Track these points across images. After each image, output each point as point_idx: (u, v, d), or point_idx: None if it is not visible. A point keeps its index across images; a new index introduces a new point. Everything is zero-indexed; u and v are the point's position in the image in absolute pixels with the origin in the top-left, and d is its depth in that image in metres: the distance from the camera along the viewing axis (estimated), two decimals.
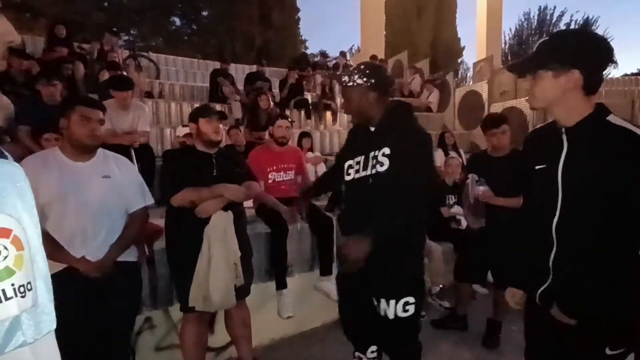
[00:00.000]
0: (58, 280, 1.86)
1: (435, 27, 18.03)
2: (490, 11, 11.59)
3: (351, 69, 1.88)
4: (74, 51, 5.71)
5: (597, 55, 1.19)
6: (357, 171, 1.82)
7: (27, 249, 0.46)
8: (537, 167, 1.33)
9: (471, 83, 10.78)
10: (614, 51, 1.20)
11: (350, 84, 1.77)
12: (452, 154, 5.20)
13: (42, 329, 0.45)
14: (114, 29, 6.39)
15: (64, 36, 5.84)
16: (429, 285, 3.57)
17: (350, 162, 1.87)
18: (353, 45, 17.53)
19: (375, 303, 1.80)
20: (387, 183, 1.69)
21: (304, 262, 3.23)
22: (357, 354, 2.02)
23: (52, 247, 1.80)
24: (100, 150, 2.04)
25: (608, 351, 1.23)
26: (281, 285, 2.91)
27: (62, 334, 1.84)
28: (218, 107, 6.31)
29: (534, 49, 1.28)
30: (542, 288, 1.34)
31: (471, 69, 15.03)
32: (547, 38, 1.28)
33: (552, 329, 1.31)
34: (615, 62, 1.21)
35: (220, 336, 2.69)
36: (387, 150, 1.71)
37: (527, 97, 1.35)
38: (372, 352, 2.00)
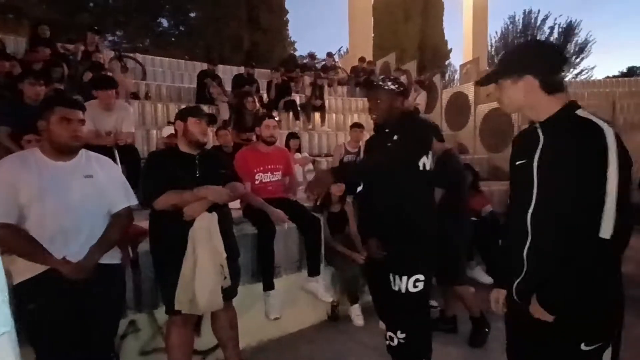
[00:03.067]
0: (39, 283, 1.81)
1: (422, 30, 18.21)
2: (476, 14, 11.76)
3: (382, 77, 2.21)
4: (57, 52, 5.61)
5: (544, 60, 1.35)
6: None
7: None
8: (517, 163, 1.43)
9: (458, 85, 10.90)
10: (563, 53, 1.40)
11: (385, 88, 2.08)
12: None
13: None
14: (96, 28, 6.27)
15: (48, 37, 5.73)
16: None
17: None
18: (342, 47, 17.59)
19: (391, 279, 2.04)
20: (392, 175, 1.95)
21: (291, 263, 3.22)
22: (388, 333, 2.13)
23: (33, 247, 1.76)
24: (82, 151, 2.00)
25: (584, 347, 1.25)
26: (268, 286, 2.90)
27: (44, 338, 1.79)
28: (205, 108, 6.28)
29: (496, 62, 1.47)
30: (517, 281, 1.38)
31: (458, 71, 15.22)
32: (505, 51, 1.52)
33: (530, 325, 1.33)
34: (567, 63, 1.40)
35: (206, 339, 2.66)
36: (395, 137, 1.96)
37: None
38: (402, 332, 2.07)
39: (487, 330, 2.93)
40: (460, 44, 13.33)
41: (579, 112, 1.30)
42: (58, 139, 1.84)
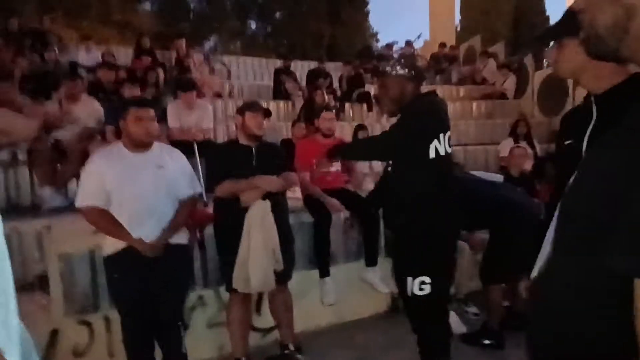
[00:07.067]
0: (122, 256, 2.14)
1: (518, 5, 16.48)
2: None
3: (393, 60, 2.06)
4: (156, 59, 6.42)
5: None
6: None
7: None
8: (565, 143, 1.27)
9: None
10: None
11: (394, 73, 1.91)
12: (522, 143, 4.80)
13: None
14: (184, 38, 7.02)
15: (148, 46, 6.58)
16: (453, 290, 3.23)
17: None
18: (420, 34, 16.73)
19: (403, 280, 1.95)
20: (398, 162, 1.85)
21: (350, 252, 3.27)
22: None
23: (115, 226, 2.10)
24: (156, 144, 2.29)
25: None
26: (324, 273, 2.99)
27: (125, 303, 2.13)
28: (281, 104, 6.59)
29: (561, 16, 1.20)
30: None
31: None
32: (574, 2, 1.19)
33: None
34: None
35: (267, 318, 2.84)
36: None
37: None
38: (416, 334, 2.03)
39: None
40: None
41: None
42: (133, 135, 2.15)
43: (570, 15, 1.16)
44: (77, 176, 3.86)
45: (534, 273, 0.86)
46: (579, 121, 1.23)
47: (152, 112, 2.20)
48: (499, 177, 3.26)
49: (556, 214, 0.81)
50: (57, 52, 6.17)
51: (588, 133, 1.16)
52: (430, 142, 1.78)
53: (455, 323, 2.98)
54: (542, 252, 0.84)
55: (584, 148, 1.15)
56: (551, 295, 0.76)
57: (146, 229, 2.13)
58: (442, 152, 1.81)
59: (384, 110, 2.02)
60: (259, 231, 2.34)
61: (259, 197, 2.35)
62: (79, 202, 2.13)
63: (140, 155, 2.20)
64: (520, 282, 2.77)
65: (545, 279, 0.81)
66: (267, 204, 2.37)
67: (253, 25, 20.43)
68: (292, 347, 2.60)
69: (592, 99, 1.18)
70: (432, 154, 1.79)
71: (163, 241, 2.16)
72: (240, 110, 2.52)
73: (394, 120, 1.97)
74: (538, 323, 0.80)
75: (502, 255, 2.66)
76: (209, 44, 18.41)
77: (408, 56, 2.28)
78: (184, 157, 2.46)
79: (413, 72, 1.92)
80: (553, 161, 1.41)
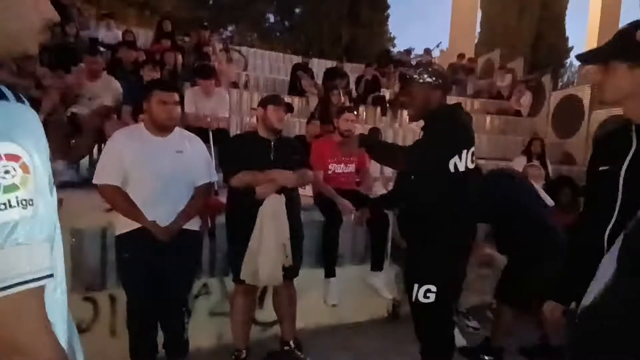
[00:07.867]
0: (134, 237, 2.12)
1: (539, 24, 16.41)
2: (605, 7, 10.22)
3: (420, 68, 2.06)
4: (175, 43, 6.41)
5: None
6: None
7: (33, 176, 0.54)
8: (600, 169, 1.24)
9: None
10: None
11: (420, 81, 1.90)
12: (535, 162, 4.78)
13: (37, 236, 0.53)
14: (205, 24, 7.02)
15: (170, 30, 6.57)
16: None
17: None
18: (440, 43, 16.60)
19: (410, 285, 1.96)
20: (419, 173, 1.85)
21: (356, 255, 3.26)
22: None
23: (131, 206, 2.09)
24: (177, 129, 2.29)
25: None
26: (329, 273, 2.99)
27: (133, 283, 2.12)
28: (296, 99, 6.58)
29: (611, 38, 1.18)
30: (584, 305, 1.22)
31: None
32: (626, 26, 1.17)
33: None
34: None
35: (269, 312, 2.84)
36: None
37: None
38: (419, 341, 2.02)
39: None
40: (585, 41, 11.72)
41: None
42: (156, 118, 2.14)
43: (620, 37, 1.17)
44: (91, 152, 3.89)
45: (588, 300, 0.85)
46: (615, 147, 1.22)
47: (176, 96, 2.19)
48: (550, 201, 3.09)
49: (618, 243, 0.80)
50: (78, 26, 6.17)
51: (628, 161, 1.15)
52: (451, 158, 1.76)
53: (456, 336, 2.98)
54: (598, 281, 0.83)
55: (621, 176, 1.15)
56: (612, 324, 0.75)
57: (160, 211, 2.13)
58: (461, 168, 1.78)
59: (409, 116, 2.01)
60: (271, 225, 2.33)
61: (275, 191, 2.35)
62: (97, 179, 2.13)
63: (161, 138, 2.20)
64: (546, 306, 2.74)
65: (604, 307, 0.80)
66: (282, 198, 2.36)
67: (271, 19, 20.42)
68: (292, 344, 2.60)
69: (633, 127, 1.16)
70: (451, 169, 1.77)
71: (177, 226, 2.16)
72: (263, 103, 2.51)
73: (411, 125, 2.01)
74: (591, 350, 0.79)
75: (526, 280, 2.53)
76: (226, 33, 18.42)
77: (435, 65, 2.21)
78: (203, 144, 2.45)
79: (440, 81, 1.92)
80: (584, 186, 1.38)
